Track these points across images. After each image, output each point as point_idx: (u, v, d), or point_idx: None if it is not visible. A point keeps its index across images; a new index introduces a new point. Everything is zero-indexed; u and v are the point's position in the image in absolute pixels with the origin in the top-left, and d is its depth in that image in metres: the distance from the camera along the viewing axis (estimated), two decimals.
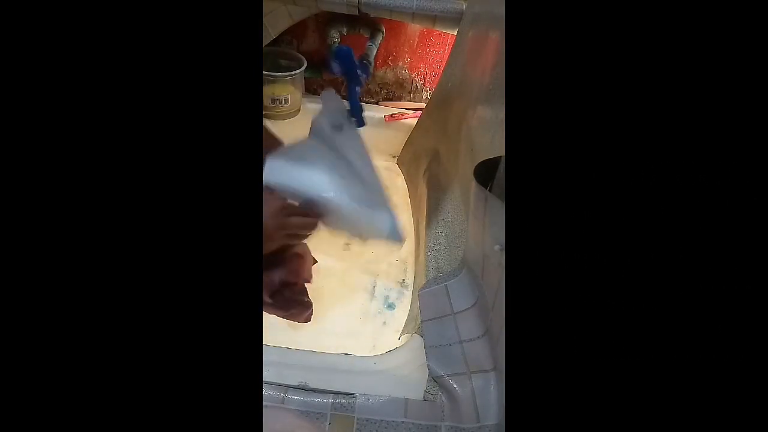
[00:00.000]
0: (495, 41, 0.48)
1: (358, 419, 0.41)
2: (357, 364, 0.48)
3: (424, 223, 0.68)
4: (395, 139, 0.87)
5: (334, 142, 0.49)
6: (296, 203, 0.42)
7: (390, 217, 0.48)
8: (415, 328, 0.53)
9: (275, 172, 0.43)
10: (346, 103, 0.52)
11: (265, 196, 0.37)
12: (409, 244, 0.77)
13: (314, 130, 0.50)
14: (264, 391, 0.42)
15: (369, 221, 0.47)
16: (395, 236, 0.48)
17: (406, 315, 0.63)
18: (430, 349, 0.46)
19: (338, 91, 0.90)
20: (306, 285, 0.49)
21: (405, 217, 0.82)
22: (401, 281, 0.72)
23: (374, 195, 0.48)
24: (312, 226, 0.41)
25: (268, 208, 0.35)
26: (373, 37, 0.78)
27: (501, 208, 0.37)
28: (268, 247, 0.37)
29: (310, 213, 0.40)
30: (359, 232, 0.49)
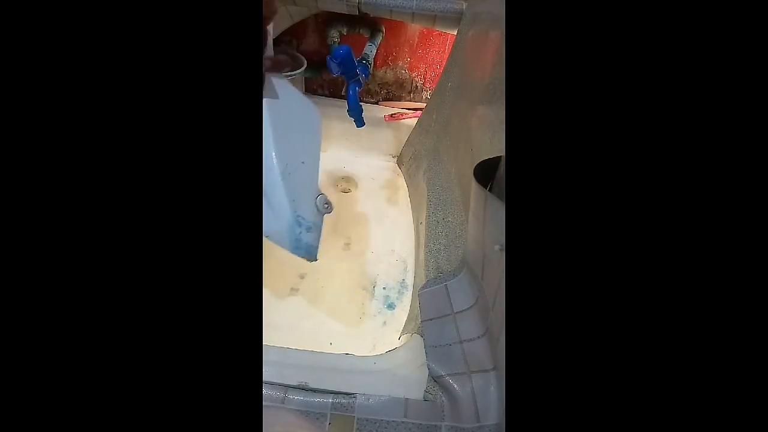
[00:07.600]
0: (495, 41, 0.48)
1: (358, 419, 0.41)
2: (357, 364, 0.48)
3: (424, 223, 0.68)
4: (395, 139, 0.87)
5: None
6: None
7: (305, 229, 0.42)
8: (415, 328, 0.53)
9: None
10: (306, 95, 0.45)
11: None
12: (408, 244, 0.77)
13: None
14: (264, 391, 0.42)
15: (283, 222, 0.41)
16: (305, 251, 0.42)
17: (406, 315, 0.63)
18: (430, 349, 0.46)
19: (338, 91, 0.90)
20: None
21: (405, 218, 0.82)
22: (401, 281, 0.72)
23: (304, 192, 0.42)
24: None
25: None
26: (373, 37, 0.79)
27: (501, 208, 0.37)
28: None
29: None
30: (267, 230, 0.43)
